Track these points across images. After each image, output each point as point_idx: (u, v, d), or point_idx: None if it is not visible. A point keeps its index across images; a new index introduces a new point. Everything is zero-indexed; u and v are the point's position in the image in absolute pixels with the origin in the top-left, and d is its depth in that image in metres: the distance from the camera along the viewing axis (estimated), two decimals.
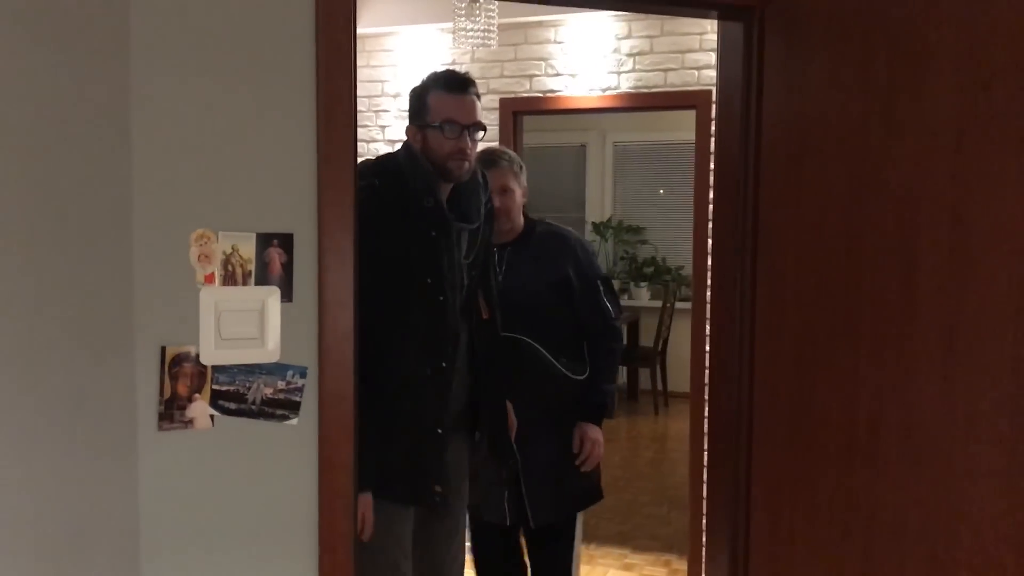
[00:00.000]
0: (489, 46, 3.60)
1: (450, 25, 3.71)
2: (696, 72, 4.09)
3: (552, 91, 4.41)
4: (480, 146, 2.46)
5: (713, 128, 2.22)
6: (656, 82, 4.22)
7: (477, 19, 3.37)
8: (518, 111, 4.46)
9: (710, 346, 2.28)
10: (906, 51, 1.75)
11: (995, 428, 1.64)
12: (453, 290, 2.40)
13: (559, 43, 4.36)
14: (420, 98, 2.39)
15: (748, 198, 2.10)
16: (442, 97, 2.34)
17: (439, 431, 2.38)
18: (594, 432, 2.91)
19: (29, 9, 1.48)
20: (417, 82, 2.45)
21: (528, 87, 4.44)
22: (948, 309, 1.70)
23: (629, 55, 4.26)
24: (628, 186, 8.41)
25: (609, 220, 8.31)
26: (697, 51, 4.09)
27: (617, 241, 8.33)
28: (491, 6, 3.42)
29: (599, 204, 8.47)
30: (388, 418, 2.26)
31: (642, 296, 7.98)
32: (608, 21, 4.25)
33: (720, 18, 2.17)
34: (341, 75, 1.77)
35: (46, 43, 1.51)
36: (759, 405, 2.10)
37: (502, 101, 4.43)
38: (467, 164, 2.37)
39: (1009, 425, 1.62)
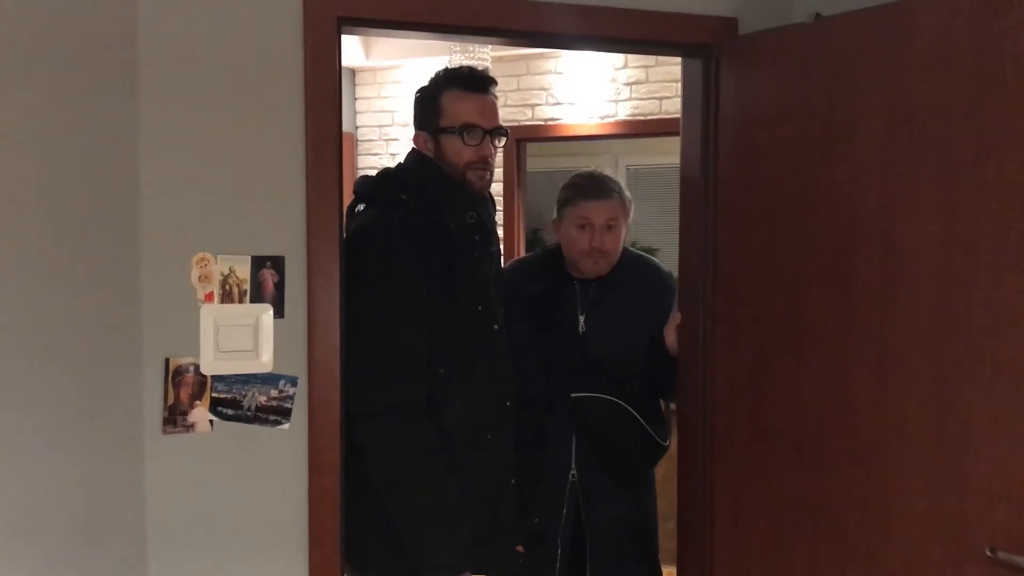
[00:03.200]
0: None
1: (448, 58, 3.91)
2: None
3: (553, 119, 4.60)
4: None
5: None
6: (652, 109, 4.41)
7: (471, 55, 3.58)
8: (521, 139, 4.66)
9: (680, 362, 2.43)
10: (841, 85, 1.92)
11: (921, 431, 1.78)
12: (500, 318, 2.13)
13: (559, 73, 4.55)
14: (432, 99, 2.09)
15: (708, 222, 2.26)
16: (460, 97, 2.05)
17: (513, 481, 2.12)
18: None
19: (45, 56, 1.69)
20: (426, 82, 2.15)
21: (531, 116, 4.63)
22: (880, 324, 1.85)
23: (626, 84, 4.45)
24: (641, 208, 8.53)
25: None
26: None
27: None
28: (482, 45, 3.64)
29: None
30: (460, 474, 1.99)
31: None
32: (605, 53, 4.44)
33: (682, 55, 2.34)
34: (327, 115, 1.96)
35: (60, 87, 1.71)
36: (720, 416, 2.25)
37: None
38: (489, 174, 2.09)
39: (933, 428, 1.77)
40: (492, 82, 2.09)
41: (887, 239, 1.84)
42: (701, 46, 2.24)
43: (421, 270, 1.97)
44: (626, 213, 2.54)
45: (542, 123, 4.61)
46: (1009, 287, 1.62)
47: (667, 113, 4.33)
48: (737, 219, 2.19)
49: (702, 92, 2.26)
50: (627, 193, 2.56)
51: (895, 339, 1.83)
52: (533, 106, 4.61)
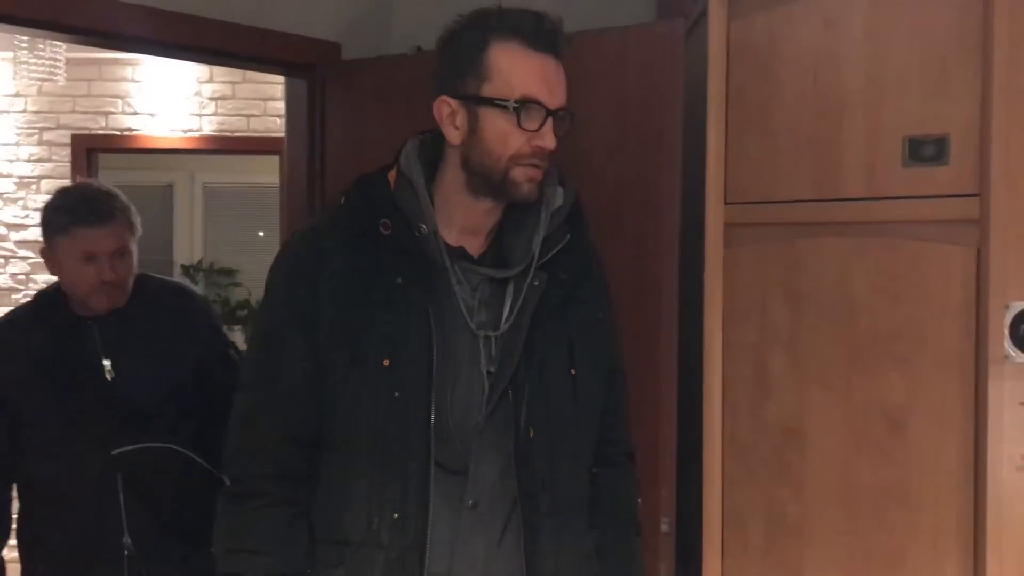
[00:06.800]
0: (55, 81, 3.45)
1: (13, 55, 3.50)
2: (278, 119, 4.26)
3: (130, 129, 4.32)
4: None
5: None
6: (240, 126, 4.33)
7: (41, 52, 3.22)
8: (93, 148, 4.30)
9: None
10: None
11: None
12: (442, 382, 1.36)
13: (137, 81, 4.29)
14: (473, 49, 1.32)
15: None
16: (520, 55, 1.32)
17: None
18: None
19: None
20: (454, 21, 1.36)
21: (104, 124, 4.30)
22: None
23: (211, 99, 4.32)
24: (219, 228, 8.29)
25: (200, 263, 8.14)
26: (279, 99, 4.25)
27: (208, 284, 8.18)
28: (56, 42, 3.30)
29: (188, 246, 8.24)
30: None
31: (238, 339, 7.89)
32: (188, 64, 4.27)
33: (285, 75, 2.35)
34: None
35: None
36: None
37: (74, 137, 4.26)
38: (542, 174, 1.38)
39: None
40: (563, 35, 1.36)
41: None
42: (305, 66, 2.28)
43: (302, 303, 1.36)
44: (134, 232, 2.03)
45: (117, 133, 4.30)
46: None
47: (255, 131, 4.27)
48: None
49: (307, 112, 2.30)
50: (131, 206, 2.02)
51: None
52: (107, 114, 4.27)
